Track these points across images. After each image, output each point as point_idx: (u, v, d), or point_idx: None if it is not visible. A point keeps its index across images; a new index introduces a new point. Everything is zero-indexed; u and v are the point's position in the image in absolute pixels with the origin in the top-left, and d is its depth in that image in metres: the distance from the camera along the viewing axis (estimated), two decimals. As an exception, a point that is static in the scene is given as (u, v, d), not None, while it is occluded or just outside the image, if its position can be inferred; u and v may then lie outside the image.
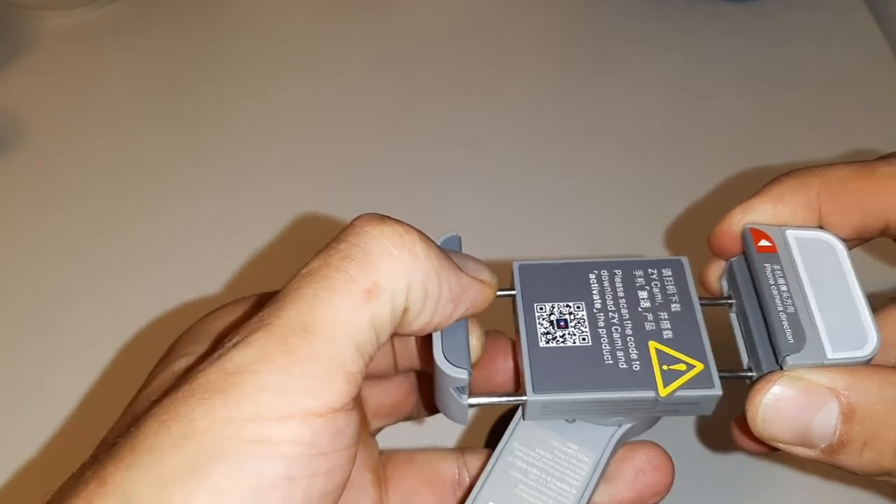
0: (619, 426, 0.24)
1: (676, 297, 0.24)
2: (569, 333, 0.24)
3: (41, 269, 0.44)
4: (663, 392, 0.22)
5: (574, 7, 0.60)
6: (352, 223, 0.20)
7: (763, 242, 0.24)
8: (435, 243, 0.21)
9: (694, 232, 0.45)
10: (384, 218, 0.20)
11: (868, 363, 0.22)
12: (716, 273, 0.27)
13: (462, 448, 0.27)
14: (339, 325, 0.18)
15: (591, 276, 0.25)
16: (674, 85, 0.54)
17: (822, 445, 0.21)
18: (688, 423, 0.38)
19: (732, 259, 0.26)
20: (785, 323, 0.23)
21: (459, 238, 0.25)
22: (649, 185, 0.48)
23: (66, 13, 0.58)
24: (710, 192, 0.47)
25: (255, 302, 0.24)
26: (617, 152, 0.50)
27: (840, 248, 0.24)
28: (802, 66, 0.55)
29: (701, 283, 0.27)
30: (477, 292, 0.22)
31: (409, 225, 0.20)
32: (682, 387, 0.22)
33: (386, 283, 0.19)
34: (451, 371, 0.22)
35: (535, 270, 0.25)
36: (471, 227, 0.46)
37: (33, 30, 0.58)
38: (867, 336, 0.22)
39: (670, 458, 0.25)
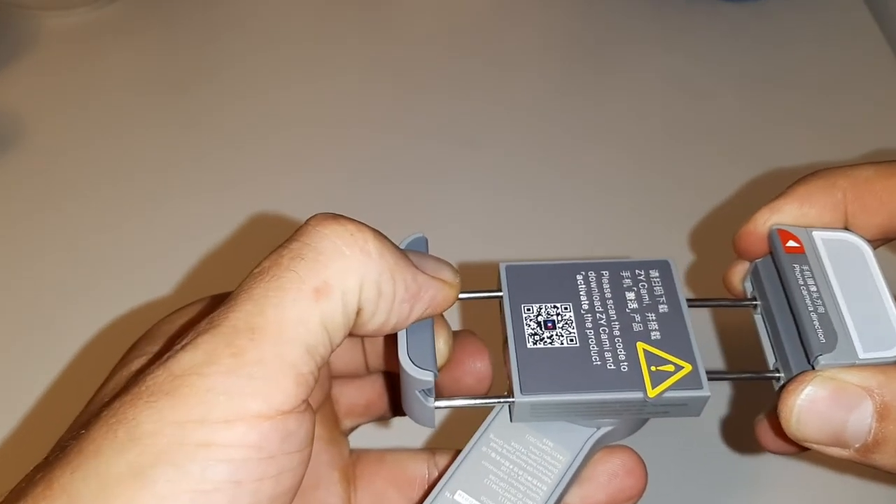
0: (598, 428, 0.24)
1: (664, 298, 0.24)
2: (556, 334, 0.24)
3: (41, 268, 0.44)
4: (651, 393, 0.22)
5: (574, 7, 0.60)
6: (305, 223, 0.20)
7: (791, 243, 0.25)
8: (390, 242, 0.21)
9: (694, 232, 0.45)
10: (337, 217, 0.20)
11: None
12: (739, 274, 0.27)
13: (433, 448, 0.27)
14: (288, 326, 0.18)
15: (579, 277, 0.25)
16: (674, 85, 0.54)
17: (857, 445, 0.21)
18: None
19: (758, 260, 0.26)
20: (816, 323, 0.23)
21: (426, 239, 0.25)
22: (649, 186, 0.48)
23: (66, 13, 0.58)
24: (710, 192, 0.47)
25: (209, 302, 0.24)
26: (617, 152, 0.50)
27: (867, 249, 0.25)
28: (802, 66, 0.55)
29: (725, 285, 0.27)
30: (436, 291, 0.21)
31: (362, 223, 0.20)
32: (670, 388, 0.22)
33: (336, 282, 0.19)
34: (415, 373, 0.22)
35: (522, 271, 0.25)
36: (471, 227, 0.46)
37: (33, 30, 0.58)
38: None
39: (643, 464, 0.25)
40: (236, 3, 0.61)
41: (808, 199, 0.25)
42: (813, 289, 0.24)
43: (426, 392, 0.23)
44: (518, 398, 0.23)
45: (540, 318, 0.24)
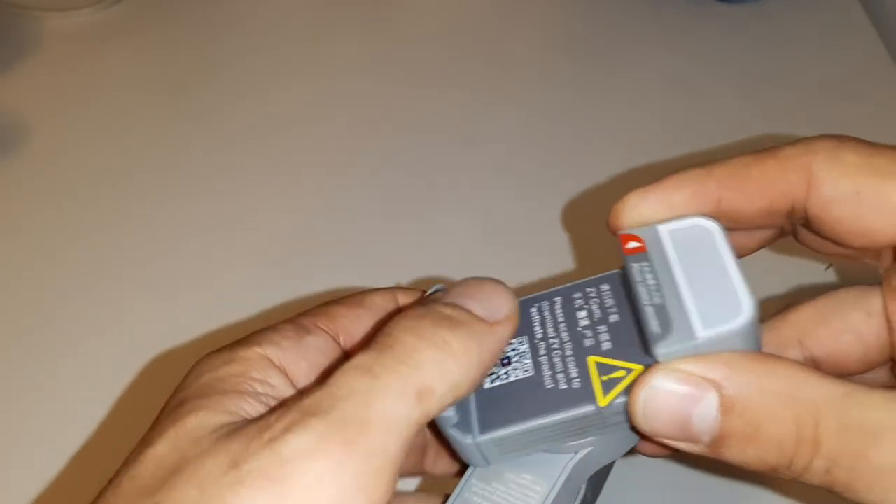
0: (575, 453, 0.24)
1: (615, 308, 0.24)
2: (512, 369, 0.24)
3: (42, 269, 0.45)
4: (602, 402, 0.22)
5: (574, 7, 0.60)
6: (398, 321, 0.21)
7: (631, 244, 0.24)
8: (484, 334, 0.21)
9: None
10: (434, 322, 0.21)
11: (751, 336, 0.21)
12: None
13: (427, 491, 0.27)
14: (393, 422, 0.19)
15: (533, 310, 0.25)
16: (673, 85, 0.54)
17: (706, 440, 0.20)
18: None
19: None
20: (651, 314, 0.22)
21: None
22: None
23: (69, 14, 0.58)
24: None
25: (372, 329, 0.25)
26: (616, 153, 0.50)
27: (715, 228, 0.23)
28: (800, 67, 0.55)
29: None
30: (501, 340, 0.22)
31: (444, 318, 0.21)
32: (621, 393, 0.22)
33: (437, 386, 0.20)
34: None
35: None
36: (470, 227, 0.46)
37: (36, 31, 0.58)
38: (741, 305, 0.21)
39: None
40: (237, 3, 0.61)
41: (679, 185, 0.24)
42: (651, 282, 0.23)
43: (457, 427, 0.23)
44: (478, 438, 0.23)
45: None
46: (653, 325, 0.22)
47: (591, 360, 0.23)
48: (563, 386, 0.23)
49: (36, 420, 0.39)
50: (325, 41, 0.58)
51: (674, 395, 0.20)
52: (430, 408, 0.20)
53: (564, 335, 0.24)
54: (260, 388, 0.21)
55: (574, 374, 0.23)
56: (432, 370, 0.20)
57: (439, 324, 0.21)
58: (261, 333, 0.23)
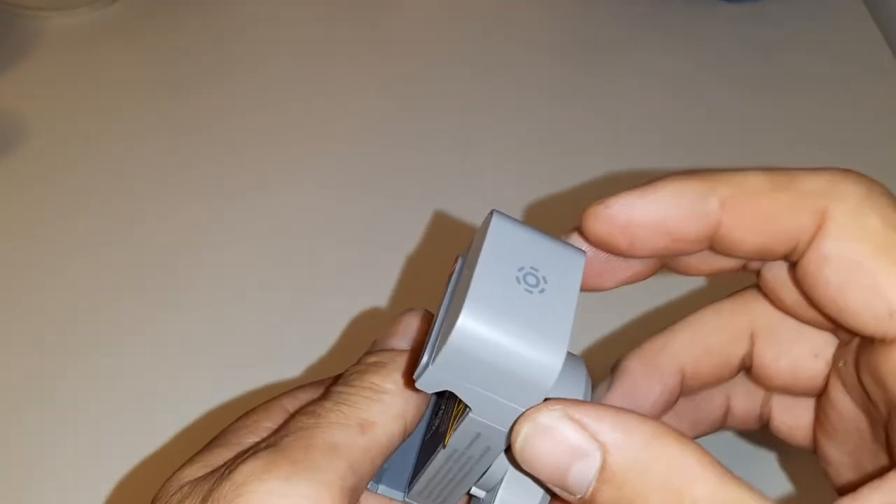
0: (496, 489, 0.22)
1: None
2: (438, 419, 0.24)
3: (41, 271, 0.45)
4: (446, 441, 0.21)
5: (572, 9, 0.60)
6: (340, 380, 0.23)
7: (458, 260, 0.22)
8: (400, 370, 0.23)
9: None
10: (361, 372, 0.23)
11: (476, 349, 0.18)
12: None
13: None
14: (337, 448, 0.21)
15: None
16: (672, 86, 0.54)
17: (577, 497, 0.19)
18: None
19: None
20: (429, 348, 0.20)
21: None
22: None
23: (68, 14, 0.58)
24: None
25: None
26: (615, 154, 0.50)
27: (491, 221, 0.20)
28: (802, 67, 0.55)
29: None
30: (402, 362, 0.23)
31: (381, 365, 0.23)
32: (455, 426, 0.20)
33: (378, 418, 0.22)
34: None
35: None
36: (470, 229, 0.46)
37: (35, 31, 0.58)
38: (459, 312, 0.18)
39: None
40: (236, 3, 0.61)
41: (676, 199, 0.21)
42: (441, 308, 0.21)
43: (392, 486, 0.24)
44: (407, 494, 0.24)
45: (436, 410, 0.24)
46: (425, 358, 0.20)
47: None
48: (442, 428, 0.22)
49: (36, 426, 0.39)
50: (328, 41, 0.58)
51: (558, 442, 0.18)
52: (377, 437, 0.21)
53: None
54: (265, 434, 0.23)
55: (450, 413, 0.22)
56: (370, 406, 0.22)
57: (366, 371, 0.23)
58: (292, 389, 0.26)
